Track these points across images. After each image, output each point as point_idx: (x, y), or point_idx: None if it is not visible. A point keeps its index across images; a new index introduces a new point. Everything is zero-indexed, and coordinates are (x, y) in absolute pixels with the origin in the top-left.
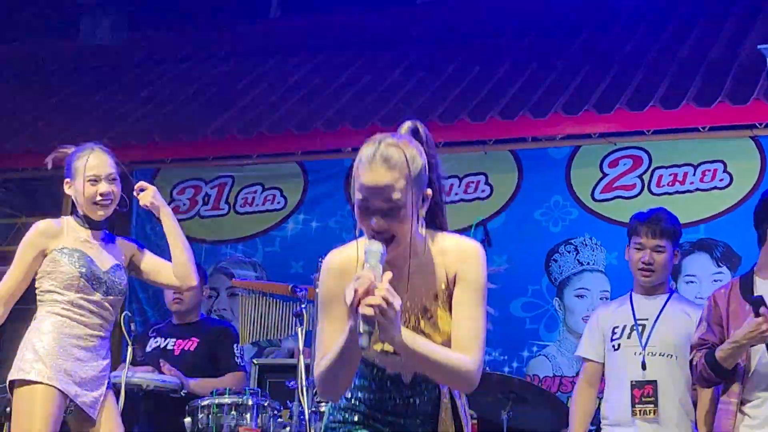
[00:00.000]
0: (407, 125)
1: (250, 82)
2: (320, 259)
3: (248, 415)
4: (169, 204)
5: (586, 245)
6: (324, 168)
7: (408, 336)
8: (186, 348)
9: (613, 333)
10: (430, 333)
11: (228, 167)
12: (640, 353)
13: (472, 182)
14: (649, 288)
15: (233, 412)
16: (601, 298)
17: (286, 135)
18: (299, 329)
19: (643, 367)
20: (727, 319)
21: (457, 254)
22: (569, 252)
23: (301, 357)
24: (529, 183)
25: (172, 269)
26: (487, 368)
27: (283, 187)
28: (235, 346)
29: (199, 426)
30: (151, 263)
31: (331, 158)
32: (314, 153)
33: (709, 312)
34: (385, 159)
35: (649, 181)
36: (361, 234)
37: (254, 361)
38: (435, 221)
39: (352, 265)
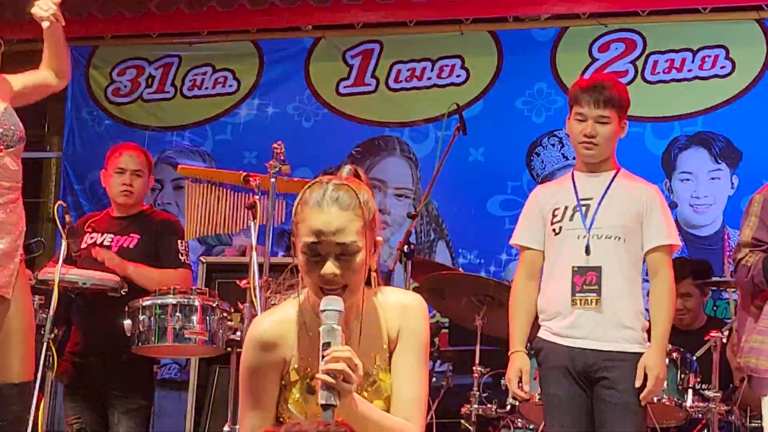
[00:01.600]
0: (348, 169)
1: None
2: (275, 146)
3: (195, 318)
4: (108, 86)
5: None
6: (282, 48)
7: (360, 403)
8: (124, 245)
9: (554, 216)
10: (372, 399)
11: (174, 45)
12: (583, 236)
13: (447, 66)
14: (592, 165)
15: (178, 314)
16: None
17: (240, 10)
18: (252, 223)
19: (587, 251)
20: None
21: (399, 310)
22: (553, 145)
23: (254, 254)
24: (510, 67)
25: (53, 65)
26: (461, 270)
27: (236, 69)
28: (179, 241)
29: (140, 329)
30: (29, 77)
31: (289, 37)
32: (271, 30)
33: (763, 208)
34: (337, 200)
35: (643, 68)
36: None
37: (201, 259)
38: (370, 275)
39: (291, 334)
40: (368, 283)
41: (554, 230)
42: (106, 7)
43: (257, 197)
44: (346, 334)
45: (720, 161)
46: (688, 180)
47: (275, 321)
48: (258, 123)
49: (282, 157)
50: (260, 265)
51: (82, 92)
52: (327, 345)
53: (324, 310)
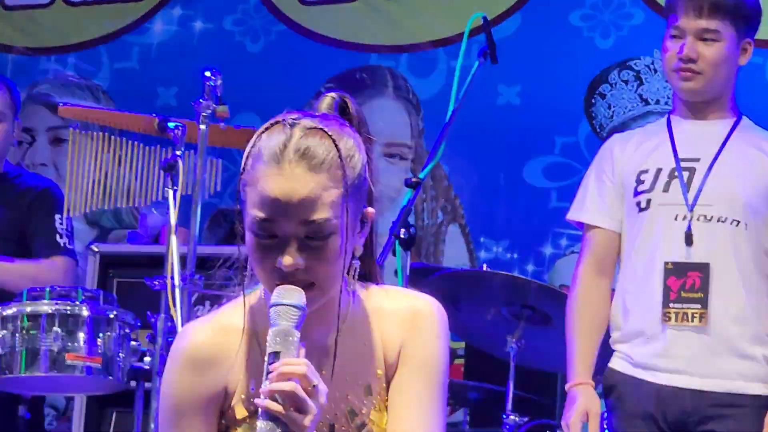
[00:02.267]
0: (329, 99)
1: None
2: (209, 77)
3: (81, 335)
4: None
5: (656, 71)
6: None
7: None
8: None
9: (639, 182)
10: None
11: None
12: (684, 216)
13: None
14: (697, 107)
15: (56, 329)
16: None
17: None
18: (170, 192)
19: (688, 240)
20: None
21: (404, 318)
22: (626, 82)
23: (173, 239)
24: None
25: None
26: (486, 267)
27: None
28: (57, 217)
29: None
30: None
31: None
32: None
33: None
34: (304, 154)
35: None
36: (252, 286)
37: (93, 247)
38: (363, 268)
39: (231, 347)
40: (363, 278)
41: (638, 204)
42: None
43: (179, 153)
44: (317, 356)
45: None
46: None
47: (213, 330)
48: (179, 44)
49: (218, 93)
50: (182, 257)
51: None
52: (275, 356)
53: (274, 305)
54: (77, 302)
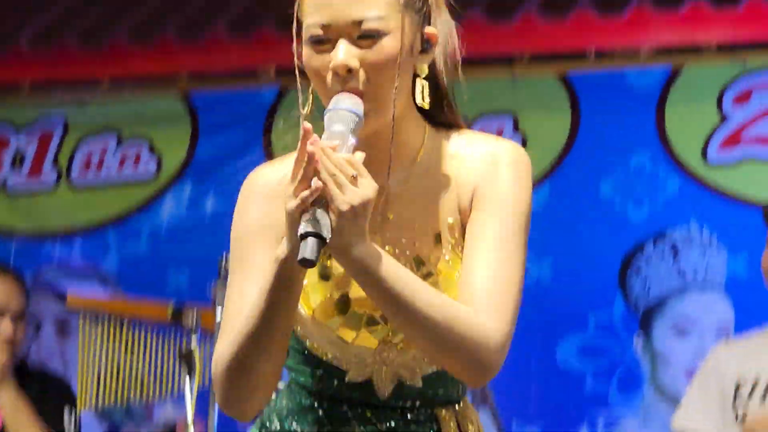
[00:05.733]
0: None
1: None
2: (222, 258)
3: None
4: None
5: (694, 242)
6: (226, 102)
7: (374, 254)
8: None
9: (737, 393)
10: None
11: (58, 102)
12: None
13: (492, 125)
14: None
15: None
16: (719, 336)
17: (162, 44)
18: (188, 384)
19: None
20: None
21: (483, 160)
22: (663, 254)
23: None
24: (590, 130)
25: None
26: None
27: (156, 137)
28: (67, 411)
29: None
30: None
31: (239, 86)
32: (209, 76)
33: None
34: None
35: None
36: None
37: None
38: (438, 115)
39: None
40: (435, 122)
41: (737, 416)
42: None
43: (195, 343)
44: (383, 200)
45: None
46: None
47: (281, 165)
48: (191, 223)
49: None
50: None
51: None
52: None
53: (329, 111)
54: None
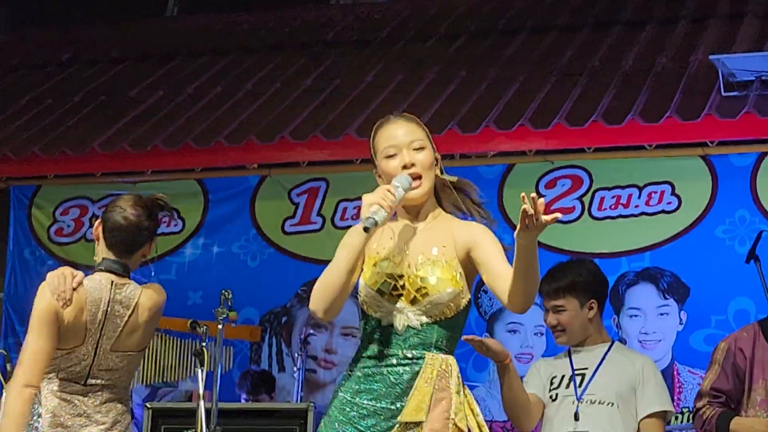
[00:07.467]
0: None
1: (144, 89)
2: (224, 293)
3: None
4: (51, 226)
5: None
6: (227, 186)
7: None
8: None
9: (551, 384)
10: (425, 276)
11: (118, 185)
12: (574, 402)
13: None
14: (584, 341)
15: None
16: (535, 334)
17: (184, 149)
18: (199, 370)
19: (576, 417)
20: (751, 368)
21: (466, 227)
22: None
23: (201, 402)
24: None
25: None
26: None
27: (181, 208)
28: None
29: None
30: None
31: (234, 175)
32: (215, 170)
33: (726, 357)
34: (401, 115)
35: (590, 204)
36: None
37: (147, 404)
38: (440, 200)
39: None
40: (440, 203)
41: (551, 397)
42: (49, 146)
43: (204, 344)
44: (411, 233)
45: (668, 297)
46: (636, 316)
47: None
48: (203, 263)
49: (230, 304)
50: (207, 412)
51: (24, 232)
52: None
53: (399, 175)
54: None
